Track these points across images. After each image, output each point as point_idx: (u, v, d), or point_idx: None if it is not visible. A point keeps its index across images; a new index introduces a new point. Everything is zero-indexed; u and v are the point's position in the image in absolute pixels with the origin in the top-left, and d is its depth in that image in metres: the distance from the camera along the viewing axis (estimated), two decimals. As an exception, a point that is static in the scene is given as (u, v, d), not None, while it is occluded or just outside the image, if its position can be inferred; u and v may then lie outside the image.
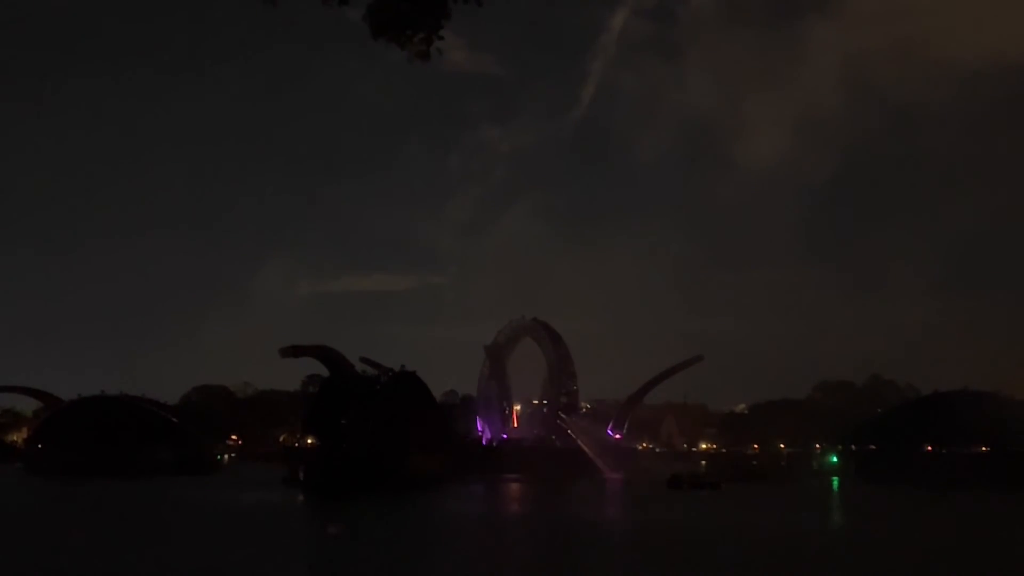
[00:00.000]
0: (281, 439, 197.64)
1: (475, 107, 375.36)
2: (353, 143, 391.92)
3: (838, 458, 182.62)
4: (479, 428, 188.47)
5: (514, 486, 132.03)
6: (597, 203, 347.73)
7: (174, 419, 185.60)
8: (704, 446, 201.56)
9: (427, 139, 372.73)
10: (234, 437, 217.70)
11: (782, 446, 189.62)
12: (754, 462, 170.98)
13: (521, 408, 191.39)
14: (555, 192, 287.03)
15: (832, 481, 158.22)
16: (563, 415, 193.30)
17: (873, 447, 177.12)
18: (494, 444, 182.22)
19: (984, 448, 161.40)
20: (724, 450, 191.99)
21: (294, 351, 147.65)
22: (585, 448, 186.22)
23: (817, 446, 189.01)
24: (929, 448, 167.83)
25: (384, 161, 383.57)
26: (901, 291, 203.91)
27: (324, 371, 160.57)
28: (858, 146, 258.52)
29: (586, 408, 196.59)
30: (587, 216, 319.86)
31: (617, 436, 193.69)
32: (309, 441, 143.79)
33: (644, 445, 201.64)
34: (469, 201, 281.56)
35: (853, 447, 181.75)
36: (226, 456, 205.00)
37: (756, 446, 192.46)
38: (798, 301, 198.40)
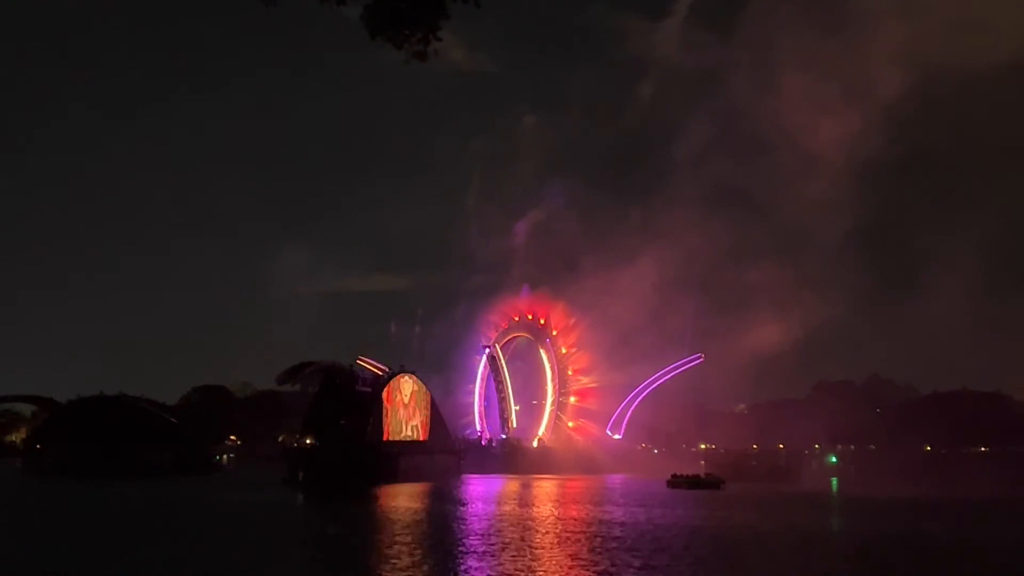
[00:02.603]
0: (280, 439, 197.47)
1: (501, 102, 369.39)
2: (363, 143, 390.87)
3: (837, 458, 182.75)
4: (479, 428, 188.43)
5: (513, 484, 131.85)
6: (626, 199, 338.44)
7: (173, 420, 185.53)
8: (704, 446, 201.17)
9: (444, 136, 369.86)
10: (233, 437, 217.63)
11: (781, 446, 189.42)
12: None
13: (521, 408, 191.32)
14: (580, 188, 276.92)
15: (832, 481, 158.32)
16: (563, 415, 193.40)
17: (873, 447, 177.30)
18: (493, 443, 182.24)
19: (984, 448, 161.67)
20: (723, 450, 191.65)
21: (291, 376, 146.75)
22: (584, 448, 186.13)
23: (817, 446, 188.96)
24: (928, 448, 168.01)
25: (395, 158, 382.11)
26: (934, 292, 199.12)
27: (321, 362, 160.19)
28: (910, 133, 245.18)
29: (586, 408, 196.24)
30: (612, 213, 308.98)
31: (616, 436, 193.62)
32: (308, 441, 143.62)
33: (644, 445, 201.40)
34: (483, 199, 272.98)
35: (853, 447, 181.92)
36: (225, 456, 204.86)
37: (755, 446, 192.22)
38: (804, 299, 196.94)
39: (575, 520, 76.41)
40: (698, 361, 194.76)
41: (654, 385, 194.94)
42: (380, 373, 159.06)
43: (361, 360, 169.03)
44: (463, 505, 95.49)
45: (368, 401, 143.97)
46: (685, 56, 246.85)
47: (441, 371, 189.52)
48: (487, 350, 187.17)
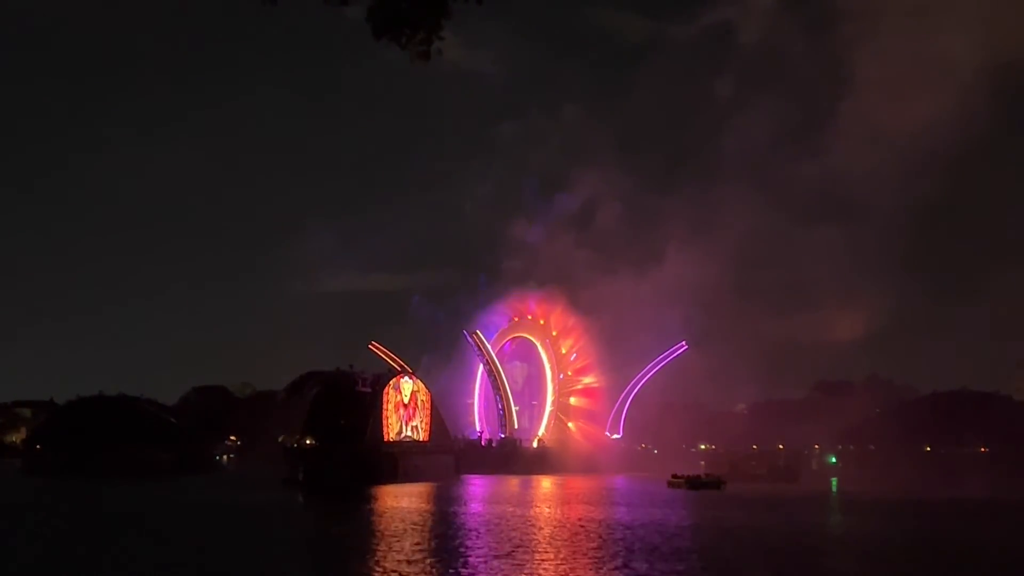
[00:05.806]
0: (280, 439, 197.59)
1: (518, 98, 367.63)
2: (365, 143, 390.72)
3: (837, 458, 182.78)
4: (478, 428, 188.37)
5: (513, 485, 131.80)
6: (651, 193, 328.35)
7: (173, 420, 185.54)
8: (703, 446, 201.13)
9: (451, 133, 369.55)
10: (233, 437, 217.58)
11: (781, 446, 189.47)
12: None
13: (520, 408, 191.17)
14: (606, 182, 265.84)
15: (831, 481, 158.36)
16: (563, 415, 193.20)
17: (873, 447, 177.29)
18: (493, 443, 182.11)
19: (984, 448, 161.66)
20: (723, 450, 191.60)
21: (296, 389, 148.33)
22: (584, 448, 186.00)
23: (816, 446, 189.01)
24: (928, 448, 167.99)
25: (402, 155, 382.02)
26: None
27: (324, 371, 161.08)
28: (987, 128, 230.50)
29: (585, 408, 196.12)
30: (633, 207, 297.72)
31: (616, 436, 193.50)
32: (308, 441, 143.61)
33: (643, 445, 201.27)
34: (490, 199, 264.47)
35: (852, 447, 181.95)
36: (225, 456, 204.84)
37: (755, 446, 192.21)
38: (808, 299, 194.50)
39: (578, 521, 76.32)
40: (682, 349, 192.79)
41: (644, 379, 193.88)
42: (392, 362, 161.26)
43: (373, 345, 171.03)
44: (464, 505, 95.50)
45: (368, 402, 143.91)
46: (758, 41, 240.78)
47: (444, 370, 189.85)
48: (486, 349, 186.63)
